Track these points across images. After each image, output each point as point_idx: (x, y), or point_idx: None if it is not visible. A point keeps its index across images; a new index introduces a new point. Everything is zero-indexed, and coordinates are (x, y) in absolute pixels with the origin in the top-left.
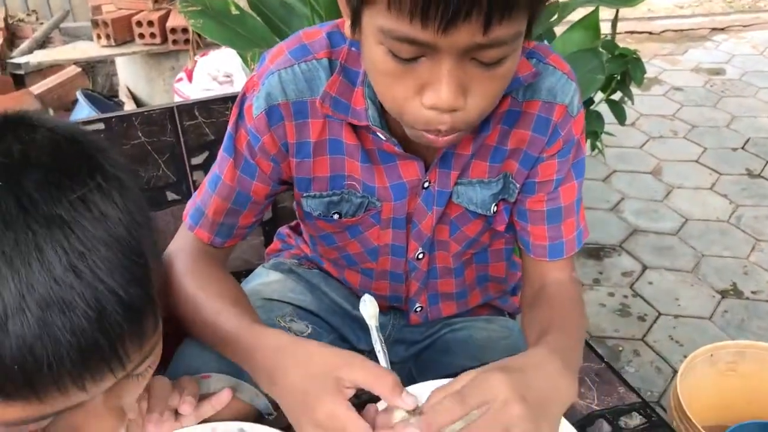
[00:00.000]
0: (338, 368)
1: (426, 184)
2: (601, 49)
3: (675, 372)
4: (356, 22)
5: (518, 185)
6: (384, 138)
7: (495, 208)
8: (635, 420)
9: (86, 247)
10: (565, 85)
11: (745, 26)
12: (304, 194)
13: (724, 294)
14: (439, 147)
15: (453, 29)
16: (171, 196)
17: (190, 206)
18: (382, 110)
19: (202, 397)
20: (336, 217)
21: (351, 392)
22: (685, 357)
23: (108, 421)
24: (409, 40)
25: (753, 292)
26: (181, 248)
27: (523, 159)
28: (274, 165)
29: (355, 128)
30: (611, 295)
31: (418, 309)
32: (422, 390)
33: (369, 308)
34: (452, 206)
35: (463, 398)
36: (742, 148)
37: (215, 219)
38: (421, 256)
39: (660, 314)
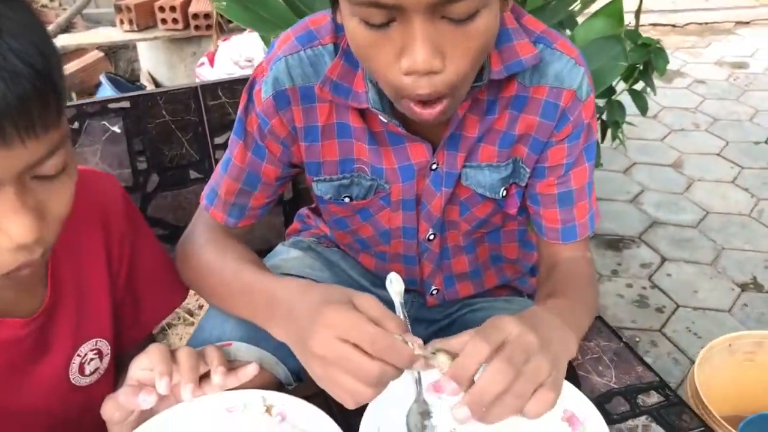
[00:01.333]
0: (354, 295)
1: (434, 166)
2: (623, 37)
3: (692, 364)
4: (335, 2)
5: (528, 170)
6: (385, 120)
7: (504, 192)
8: (653, 398)
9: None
10: (572, 70)
11: None
12: (315, 178)
13: (743, 287)
14: (431, 121)
15: None
16: (194, 174)
17: (206, 188)
18: (382, 92)
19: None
20: (347, 200)
21: None
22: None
23: (23, 215)
24: (373, 3)
25: None
26: (199, 225)
27: (532, 144)
28: (283, 148)
29: (361, 111)
30: (629, 286)
31: (434, 291)
32: None
33: (395, 285)
34: (461, 188)
35: (486, 337)
36: (765, 142)
37: (227, 199)
38: (432, 237)
39: (678, 306)
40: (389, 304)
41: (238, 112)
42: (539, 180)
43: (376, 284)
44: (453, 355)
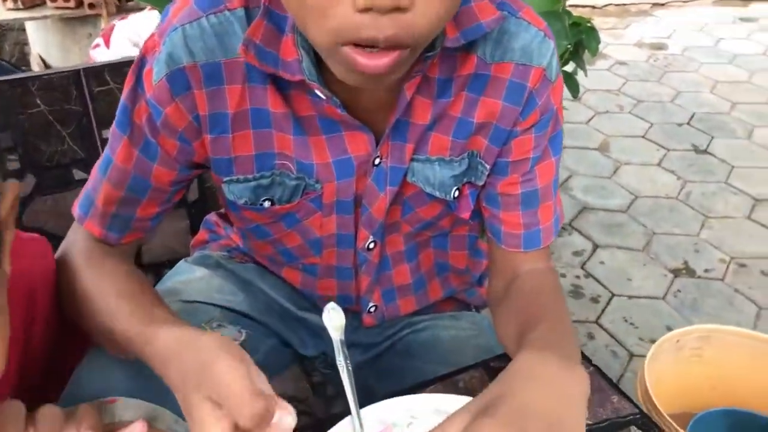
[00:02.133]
0: (207, 388)
1: (377, 161)
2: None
3: (631, 356)
4: None
5: (488, 166)
6: (323, 96)
7: (456, 193)
8: None
9: None
10: (542, 45)
11: (685, 2)
12: (225, 179)
13: (676, 273)
14: (375, 79)
15: None
16: (79, 174)
17: (81, 193)
18: (318, 62)
19: (108, 428)
20: (267, 204)
21: None
22: (641, 339)
23: None
24: None
25: (705, 271)
26: (74, 244)
27: (494, 135)
28: (181, 145)
29: (283, 93)
30: (563, 275)
31: (372, 309)
32: (380, 410)
33: (334, 319)
34: (407, 185)
35: None
36: (688, 123)
37: (106, 210)
38: (372, 245)
39: (613, 295)
40: (321, 329)
41: (122, 99)
42: (501, 178)
43: (302, 307)
44: None
